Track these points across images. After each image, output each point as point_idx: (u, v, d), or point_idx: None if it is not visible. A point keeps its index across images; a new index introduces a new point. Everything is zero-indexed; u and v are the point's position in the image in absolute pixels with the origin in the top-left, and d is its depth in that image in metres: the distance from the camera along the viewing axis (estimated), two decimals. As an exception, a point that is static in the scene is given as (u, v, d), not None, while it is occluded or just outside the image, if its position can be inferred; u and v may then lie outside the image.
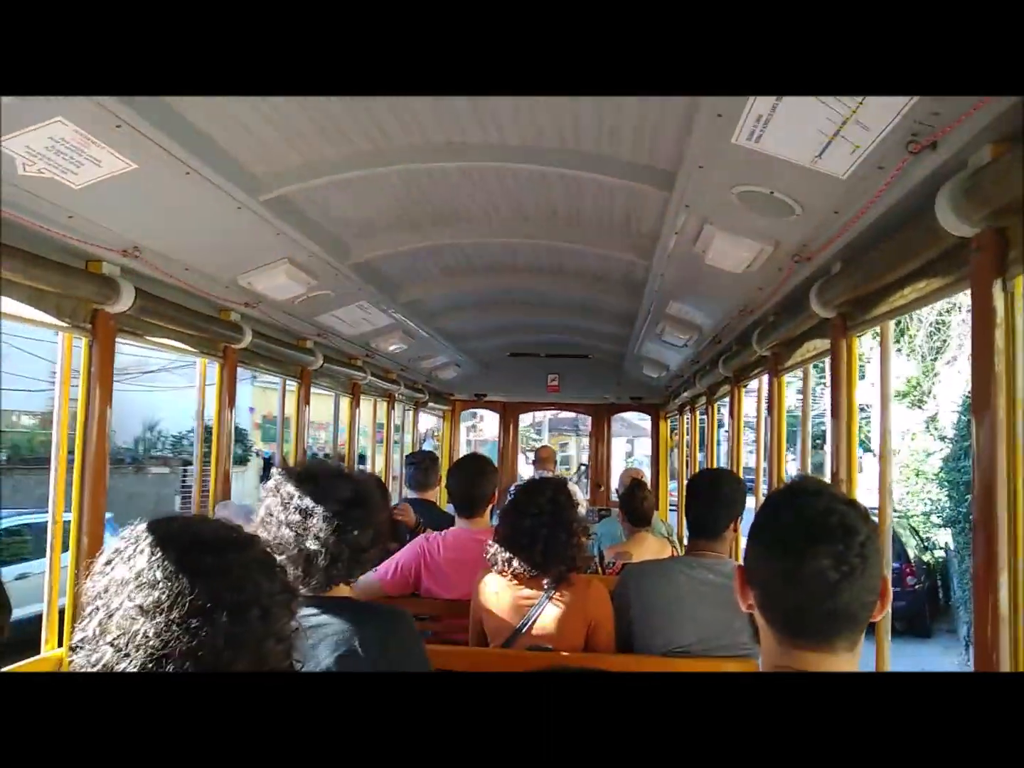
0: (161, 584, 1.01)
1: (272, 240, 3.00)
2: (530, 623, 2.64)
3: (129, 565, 1.03)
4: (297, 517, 1.86)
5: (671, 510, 8.21)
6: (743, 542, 1.47)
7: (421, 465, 4.40)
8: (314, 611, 1.81)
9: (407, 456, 4.69)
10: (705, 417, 6.15)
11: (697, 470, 6.16)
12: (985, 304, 1.66)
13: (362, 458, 7.78)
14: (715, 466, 6.04)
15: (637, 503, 4.13)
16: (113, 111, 1.92)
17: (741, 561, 1.34)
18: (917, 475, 14.47)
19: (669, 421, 8.51)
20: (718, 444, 7.22)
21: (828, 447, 3.71)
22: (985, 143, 1.61)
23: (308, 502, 1.87)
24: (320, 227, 3.36)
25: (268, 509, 1.90)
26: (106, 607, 1.02)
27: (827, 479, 4.04)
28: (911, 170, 1.85)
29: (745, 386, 4.82)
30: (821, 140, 1.93)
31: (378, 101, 2.41)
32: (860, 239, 2.37)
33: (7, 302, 2.31)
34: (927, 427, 14.59)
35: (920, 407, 15.19)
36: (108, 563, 1.06)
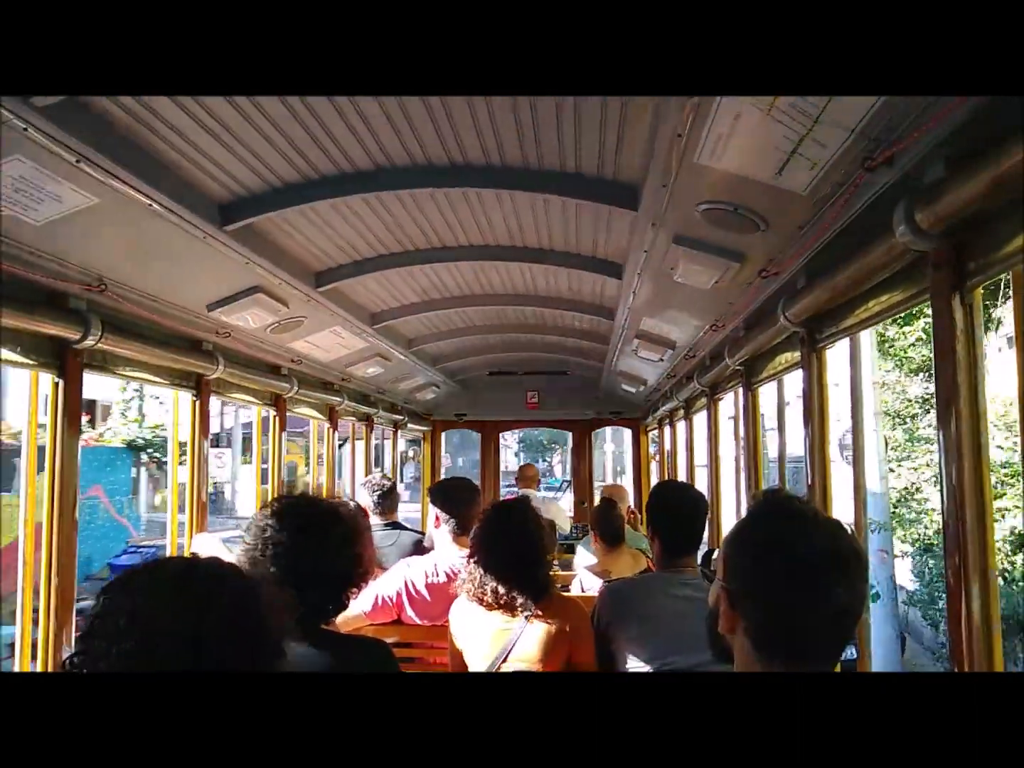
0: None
1: (241, 269, 2.98)
2: (511, 647, 2.62)
3: (131, 596, 1.06)
4: (280, 553, 1.86)
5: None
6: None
7: (384, 490, 4.35)
8: (295, 645, 1.80)
9: (363, 483, 4.56)
10: (684, 430, 6.17)
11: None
12: (945, 317, 1.67)
13: None
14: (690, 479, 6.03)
15: (609, 522, 4.09)
16: (72, 147, 1.90)
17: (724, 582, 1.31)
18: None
19: (650, 435, 8.52)
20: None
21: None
22: (939, 159, 1.63)
23: (291, 540, 1.87)
24: (290, 254, 3.34)
25: (255, 544, 1.90)
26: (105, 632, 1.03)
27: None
28: (869, 186, 1.87)
29: (721, 399, 4.84)
30: (780, 157, 1.95)
31: (342, 126, 2.41)
32: (824, 254, 2.39)
33: None
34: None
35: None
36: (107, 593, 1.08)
